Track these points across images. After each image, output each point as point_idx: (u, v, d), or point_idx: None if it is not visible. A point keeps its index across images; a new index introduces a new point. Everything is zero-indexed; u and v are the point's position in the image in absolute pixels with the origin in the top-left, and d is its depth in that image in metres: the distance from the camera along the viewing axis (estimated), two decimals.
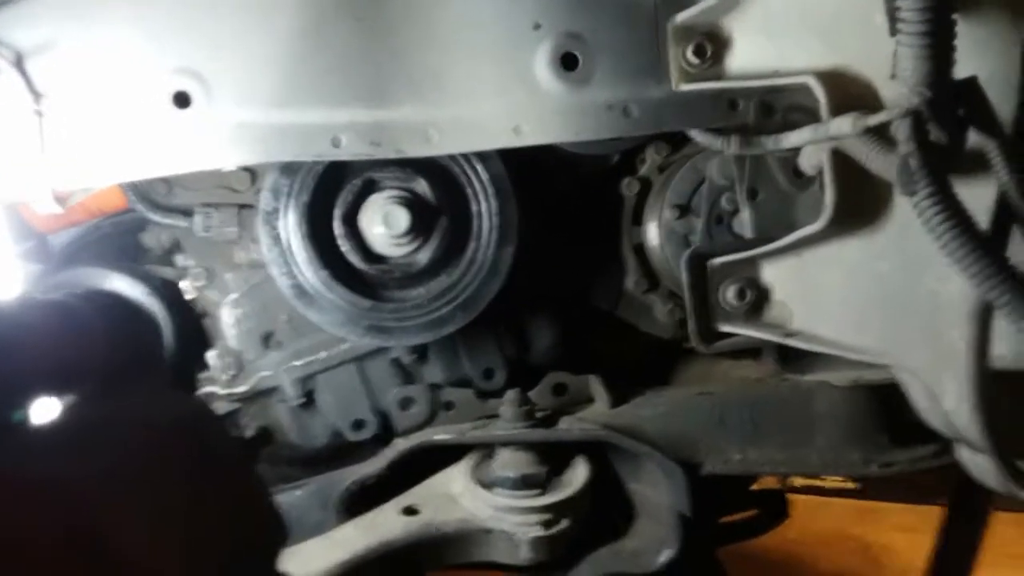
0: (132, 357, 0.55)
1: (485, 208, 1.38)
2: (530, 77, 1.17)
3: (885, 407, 1.30)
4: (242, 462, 0.57)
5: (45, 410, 0.47)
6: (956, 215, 0.76)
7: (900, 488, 3.56)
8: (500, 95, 1.18)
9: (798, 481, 3.59)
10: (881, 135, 0.87)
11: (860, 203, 1.01)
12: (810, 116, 1.11)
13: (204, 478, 0.49)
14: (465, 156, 1.36)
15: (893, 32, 0.79)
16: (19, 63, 1.11)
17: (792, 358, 1.27)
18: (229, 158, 1.17)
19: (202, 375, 1.50)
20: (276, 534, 0.55)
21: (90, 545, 0.38)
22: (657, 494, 1.38)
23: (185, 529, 0.44)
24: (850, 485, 3.72)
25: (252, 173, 1.43)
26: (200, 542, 0.45)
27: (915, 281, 0.97)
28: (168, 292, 1.50)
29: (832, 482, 3.71)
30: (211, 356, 1.48)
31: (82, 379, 0.49)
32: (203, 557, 0.44)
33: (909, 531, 3.37)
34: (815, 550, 3.45)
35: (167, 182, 1.44)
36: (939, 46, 0.76)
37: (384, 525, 1.31)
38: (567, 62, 1.17)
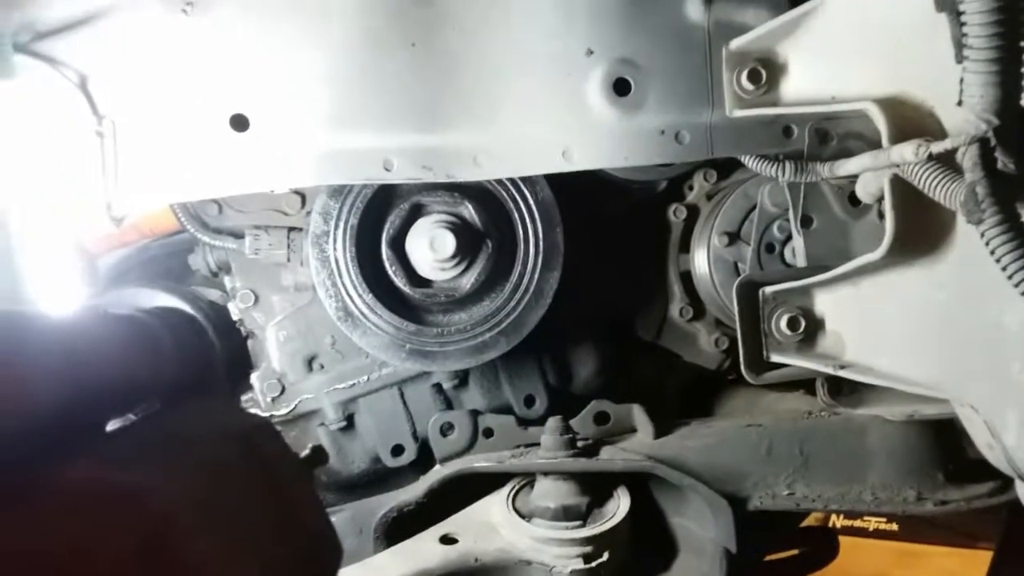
0: (197, 373, 0.55)
1: (531, 233, 1.38)
2: (582, 102, 1.17)
3: (940, 443, 1.26)
4: (303, 478, 0.56)
5: (127, 420, 0.48)
6: None
7: (943, 531, 3.45)
8: (551, 120, 1.18)
9: (840, 522, 3.50)
10: (945, 163, 0.85)
11: (920, 232, 0.99)
12: (866, 143, 1.09)
13: (269, 493, 0.49)
14: (513, 181, 1.37)
15: (960, 59, 0.78)
16: (83, 85, 1.14)
17: (844, 391, 1.24)
18: (284, 180, 1.19)
19: (245, 396, 1.51)
20: (333, 549, 0.55)
21: (160, 557, 0.38)
22: (701, 528, 1.35)
23: (251, 541, 0.44)
24: (892, 527, 3.61)
25: (302, 196, 1.45)
26: (264, 554, 0.45)
27: (976, 312, 0.94)
28: (214, 313, 1.52)
29: (875, 523, 3.60)
30: (254, 377, 1.49)
31: (152, 393, 0.49)
32: (267, 569, 0.44)
33: (951, 575, 3.26)
34: None
35: (218, 204, 1.46)
36: (1007, 72, 0.74)
37: (422, 553, 1.29)
38: (620, 87, 1.17)
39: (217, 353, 1.27)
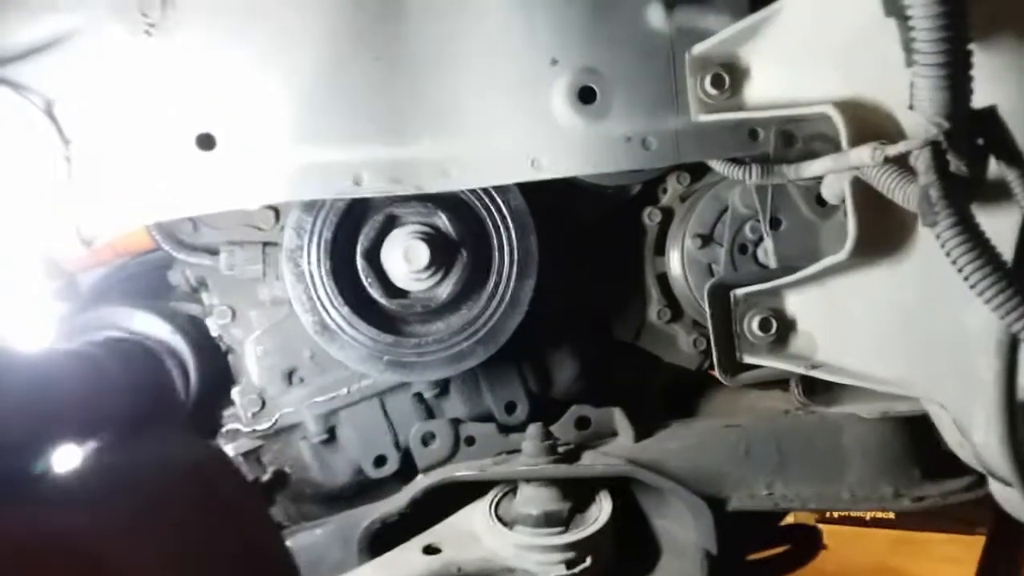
0: (151, 403, 0.56)
1: (506, 242, 1.39)
2: (548, 111, 1.18)
3: (915, 439, 1.27)
4: (255, 506, 0.57)
5: (65, 457, 0.48)
6: (978, 245, 0.74)
7: (940, 518, 3.46)
8: (518, 129, 1.18)
9: (836, 512, 3.51)
10: (902, 165, 0.86)
11: (883, 232, 1.00)
12: (832, 145, 1.10)
13: (218, 523, 0.49)
14: (485, 190, 1.37)
15: (909, 63, 0.79)
16: (48, 110, 1.14)
17: (819, 390, 1.25)
18: (253, 197, 1.19)
19: (226, 412, 1.51)
20: (289, 572, 0.55)
21: None
22: (683, 530, 1.36)
23: (198, 570, 0.44)
24: (889, 515, 3.62)
25: (276, 211, 1.45)
26: None
27: (941, 311, 0.95)
28: (193, 329, 1.52)
29: (871, 512, 3.61)
30: (235, 392, 1.49)
31: (103, 426, 0.50)
32: None
33: (950, 562, 3.27)
34: None
35: (193, 221, 1.46)
36: (956, 76, 0.75)
37: (406, 564, 1.30)
38: (585, 96, 1.18)
39: (174, 382, 1.27)
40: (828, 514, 3.47)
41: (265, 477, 0.62)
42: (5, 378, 0.44)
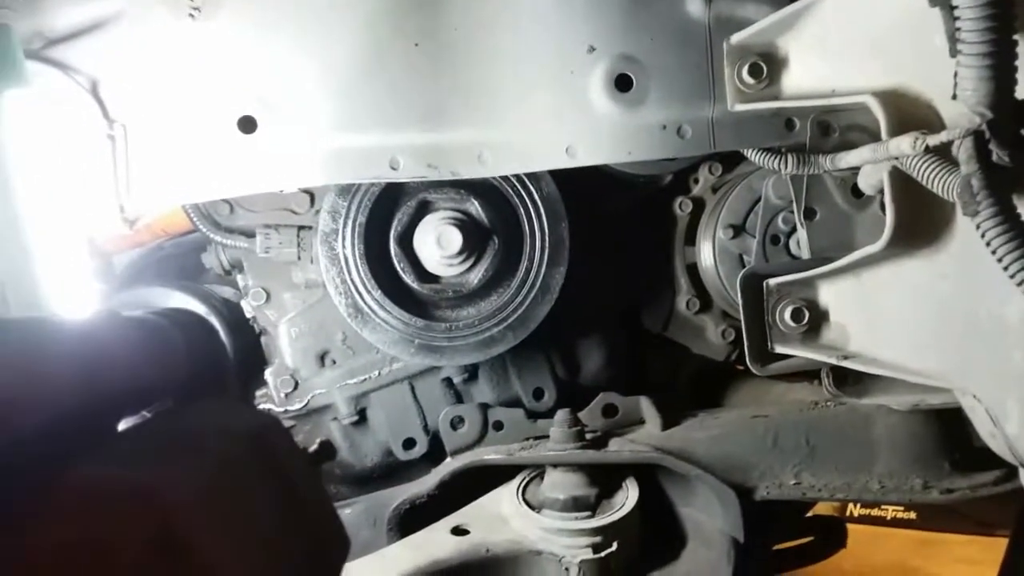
0: (209, 374, 0.57)
1: (537, 228, 1.40)
2: (584, 99, 1.19)
3: (946, 432, 1.27)
4: (311, 473, 0.58)
5: (135, 420, 0.50)
6: (1019, 236, 0.74)
7: (961, 519, 3.44)
8: (554, 117, 1.19)
9: (856, 511, 3.49)
10: (942, 155, 0.86)
11: (921, 223, 0.99)
12: (869, 135, 1.10)
13: (277, 488, 0.51)
14: (518, 178, 1.38)
15: (953, 53, 0.79)
16: (94, 90, 1.17)
17: (850, 381, 1.25)
18: (292, 180, 1.21)
19: (259, 392, 1.54)
20: (341, 543, 0.57)
21: (176, 549, 0.40)
22: (709, 518, 1.36)
23: (261, 536, 0.46)
24: (910, 515, 3.60)
25: (311, 195, 1.47)
26: (275, 548, 0.47)
27: (978, 302, 0.95)
28: (228, 311, 1.55)
29: (892, 512, 3.59)
30: (268, 373, 1.52)
31: (164, 393, 0.51)
32: (277, 563, 0.46)
33: (970, 563, 3.25)
34: None
35: (230, 204, 1.48)
36: (1001, 66, 0.75)
37: (434, 544, 1.31)
38: (621, 84, 1.18)
39: (228, 354, 1.29)
40: (848, 513, 3.46)
41: (313, 448, 0.64)
42: (72, 339, 0.46)
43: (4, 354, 0.40)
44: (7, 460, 0.38)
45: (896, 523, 3.66)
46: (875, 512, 3.59)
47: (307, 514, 0.54)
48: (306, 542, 0.52)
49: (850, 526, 3.43)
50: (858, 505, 3.50)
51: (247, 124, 1.17)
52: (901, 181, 0.96)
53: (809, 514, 1.68)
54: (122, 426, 0.49)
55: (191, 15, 1.15)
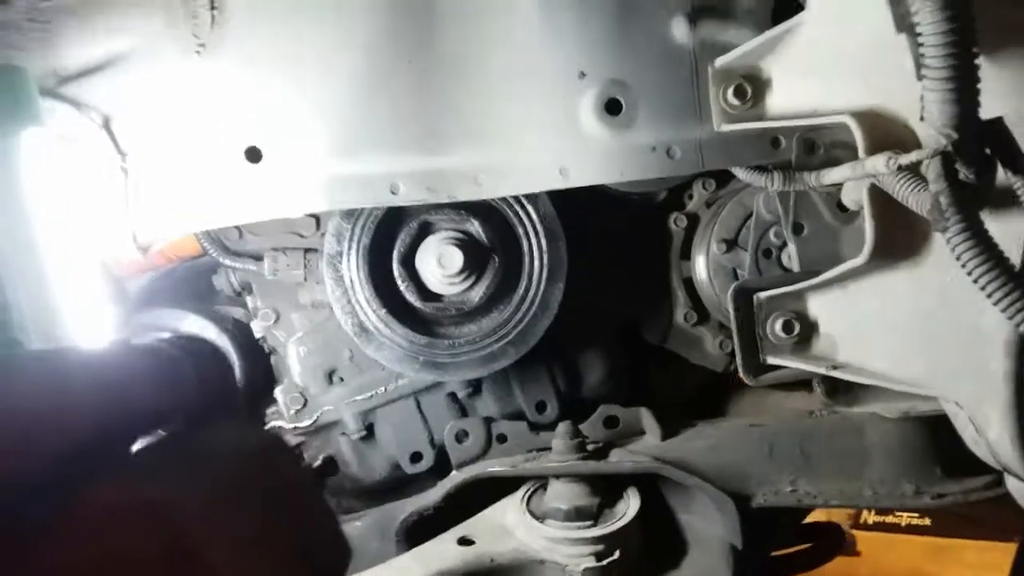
0: (217, 398, 0.62)
1: (535, 247, 1.44)
2: (575, 122, 1.23)
3: (937, 438, 1.30)
4: (312, 489, 0.62)
5: (143, 443, 0.54)
6: (987, 250, 0.78)
7: (977, 525, 3.43)
8: (547, 140, 1.24)
9: (870, 518, 3.49)
10: (915, 173, 0.89)
11: (901, 238, 1.03)
12: (853, 153, 1.13)
13: (281, 504, 0.55)
14: (516, 198, 1.42)
15: (919, 76, 0.82)
16: (106, 125, 1.22)
17: (842, 390, 1.28)
18: (297, 207, 1.26)
19: (269, 410, 1.58)
20: (344, 553, 0.61)
21: (187, 561, 0.44)
22: (709, 526, 1.39)
23: (267, 550, 0.50)
24: (925, 522, 3.59)
25: (317, 219, 1.52)
26: (279, 563, 0.51)
27: (956, 313, 0.98)
28: (238, 331, 1.60)
29: (907, 519, 3.59)
30: (278, 391, 1.56)
31: (173, 418, 0.56)
32: (280, 569, 0.50)
33: (985, 569, 3.24)
34: None
35: (238, 229, 1.53)
36: (964, 89, 0.78)
37: (441, 554, 1.35)
38: (611, 107, 1.23)
39: (236, 379, 1.34)
40: (862, 520, 3.46)
41: (316, 463, 0.68)
42: (91, 370, 0.50)
43: (33, 384, 0.45)
44: (37, 480, 0.42)
45: (911, 530, 3.65)
46: (889, 519, 3.58)
47: (309, 526, 0.58)
48: (308, 554, 0.55)
49: (865, 533, 3.43)
50: (872, 512, 3.50)
51: (253, 154, 1.22)
52: (879, 197, 0.99)
53: (807, 520, 1.70)
54: (135, 447, 0.54)
55: (197, 51, 1.20)
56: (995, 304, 0.78)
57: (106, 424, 0.48)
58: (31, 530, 0.41)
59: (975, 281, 0.80)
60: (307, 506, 0.59)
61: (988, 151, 0.82)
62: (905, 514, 3.53)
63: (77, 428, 0.45)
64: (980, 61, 0.79)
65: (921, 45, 0.80)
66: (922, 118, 0.83)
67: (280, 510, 0.55)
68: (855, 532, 3.43)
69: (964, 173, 0.81)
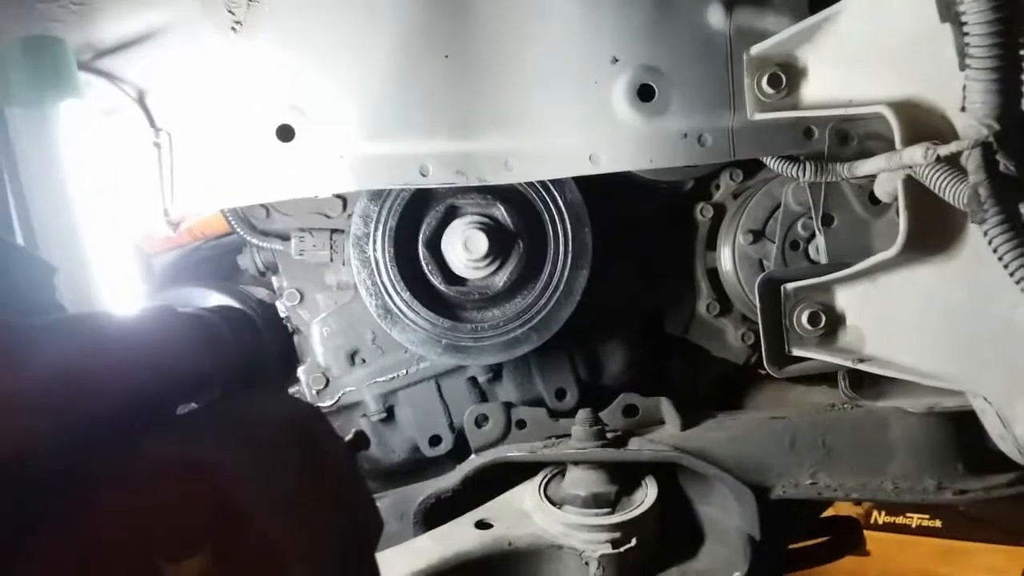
0: (254, 367, 0.63)
1: (561, 233, 1.44)
2: (607, 108, 1.23)
3: (961, 435, 1.29)
4: (348, 458, 0.63)
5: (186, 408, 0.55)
6: None
7: (987, 528, 3.41)
8: (578, 125, 1.24)
9: (882, 519, 3.48)
10: (953, 164, 0.89)
11: (934, 230, 1.02)
12: (887, 144, 1.12)
13: (319, 473, 0.56)
14: (542, 183, 1.43)
15: (962, 67, 0.82)
16: (141, 99, 1.23)
17: (866, 384, 1.27)
18: (327, 186, 1.26)
19: (292, 389, 1.59)
20: (376, 523, 0.62)
21: (233, 517, 0.44)
22: (727, 517, 1.40)
23: (306, 510, 0.51)
24: (935, 524, 3.57)
25: (344, 200, 1.52)
26: (318, 522, 0.51)
27: (989, 307, 0.97)
28: (262, 311, 1.61)
29: (917, 520, 3.57)
30: (301, 371, 1.57)
31: (213, 384, 0.56)
32: (321, 536, 0.51)
33: (996, 572, 3.22)
34: None
35: (266, 208, 1.54)
36: (1007, 80, 0.78)
37: (459, 537, 1.36)
38: (644, 93, 1.22)
39: (270, 349, 1.35)
40: (873, 521, 3.45)
41: (348, 437, 0.69)
42: (131, 333, 0.51)
43: (81, 343, 0.45)
44: (86, 435, 0.43)
45: (921, 531, 3.63)
46: (900, 520, 3.57)
47: (345, 495, 0.59)
48: (346, 519, 0.56)
49: (875, 534, 3.42)
50: (883, 513, 3.49)
51: (285, 133, 1.23)
52: (914, 189, 0.98)
53: (825, 514, 1.70)
54: (178, 412, 0.54)
55: (233, 28, 1.20)
56: None
57: (150, 385, 0.49)
58: (80, 485, 0.42)
59: (1011, 274, 0.79)
60: (344, 474, 0.60)
61: None
62: (916, 516, 3.51)
63: (124, 385, 0.46)
64: None
65: (966, 35, 0.79)
66: (963, 108, 0.83)
67: (320, 479, 0.56)
68: (865, 533, 3.41)
69: (1004, 165, 0.80)
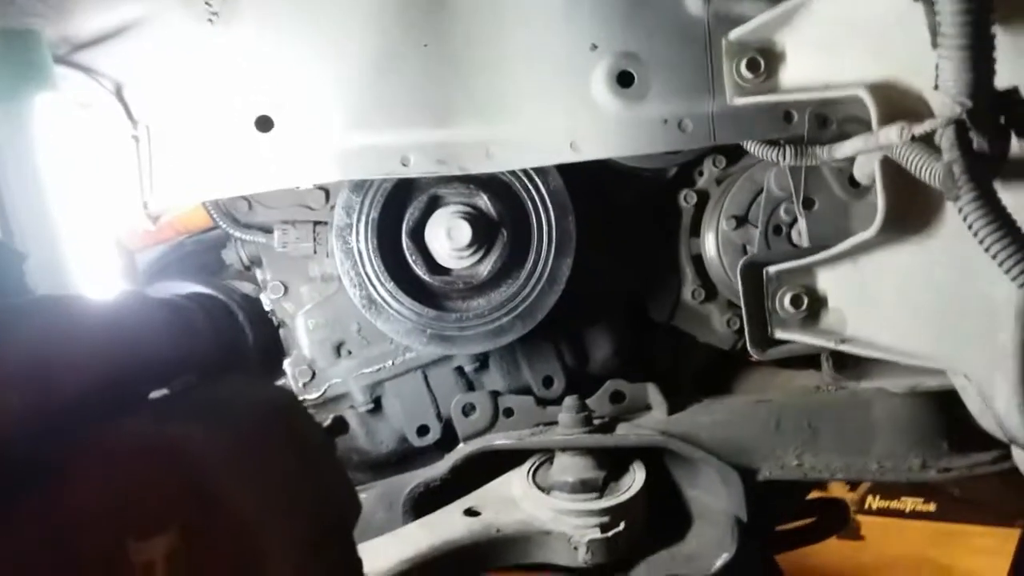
0: (230, 352, 0.63)
1: (544, 222, 1.44)
2: (587, 95, 1.23)
3: (944, 413, 1.30)
4: (325, 443, 0.63)
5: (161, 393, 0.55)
6: (999, 219, 0.78)
7: (980, 510, 3.44)
8: (559, 113, 1.24)
9: (874, 503, 3.50)
10: (928, 143, 0.89)
11: (912, 210, 1.03)
12: (865, 127, 1.13)
13: (297, 452, 0.56)
14: (525, 172, 1.42)
15: (935, 45, 0.82)
16: (118, 92, 1.22)
17: (849, 365, 1.28)
18: (307, 177, 1.26)
19: (277, 383, 1.59)
20: (354, 505, 0.62)
21: (206, 498, 0.45)
22: (714, 499, 1.40)
23: (282, 492, 0.51)
24: (929, 507, 3.60)
25: (326, 192, 1.52)
26: (294, 505, 0.51)
27: (967, 285, 0.98)
28: (248, 305, 1.60)
29: (911, 505, 3.60)
30: (287, 364, 1.57)
31: (188, 369, 0.56)
32: (297, 518, 0.51)
33: (989, 554, 3.25)
34: (891, 574, 3.35)
35: (248, 201, 1.54)
36: (979, 58, 0.78)
37: (447, 525, 1.36)
38: (623, 80, 1.22)
39: (247, 336, 1.35)
40: (866, 506, 3.47)
41: (326, 423, 0.69)
42: (106, 315, 0.51)
43: (49, 324, 0.45)
44: (55, 416, 0.43)
45: (915, 515, 3.66)
46: (893, 504, 3.59)
47: (323, 478, 0.59)
48: (322, 501, 0.56)
49: (869, 518, 3.44)
50: (877, 498, 3.51)
51: (264, 123, 1.22)
52: (891, 169, 0.99)
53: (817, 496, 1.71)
54: (154, 395, 0.54)
55: (210, 20, 1.20)
56: (1007, 273, 0.78)
57: (121, 366, 0.49)
58: (48, 464, 0.42)
59: (987, 251, 0.80)
60: (322, 458, 0.60)
61: (1003, 121, 0.81)
62: (909, 500, 3.54)
63: (91, 367, 0.46)
64: (996, 30, 0.79)
65: (937, 13, 0.80)
66: (936, 87, 0.83)
67: (294, 461, 0.56)
68: (859, 517, 3.44)
69: (978, 142, 0.81)
